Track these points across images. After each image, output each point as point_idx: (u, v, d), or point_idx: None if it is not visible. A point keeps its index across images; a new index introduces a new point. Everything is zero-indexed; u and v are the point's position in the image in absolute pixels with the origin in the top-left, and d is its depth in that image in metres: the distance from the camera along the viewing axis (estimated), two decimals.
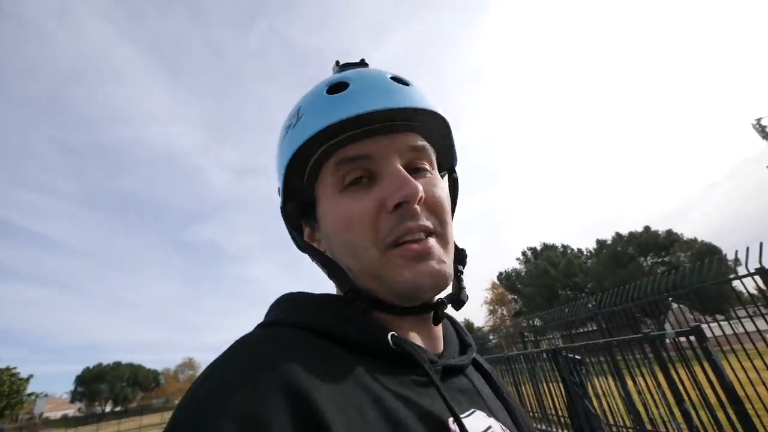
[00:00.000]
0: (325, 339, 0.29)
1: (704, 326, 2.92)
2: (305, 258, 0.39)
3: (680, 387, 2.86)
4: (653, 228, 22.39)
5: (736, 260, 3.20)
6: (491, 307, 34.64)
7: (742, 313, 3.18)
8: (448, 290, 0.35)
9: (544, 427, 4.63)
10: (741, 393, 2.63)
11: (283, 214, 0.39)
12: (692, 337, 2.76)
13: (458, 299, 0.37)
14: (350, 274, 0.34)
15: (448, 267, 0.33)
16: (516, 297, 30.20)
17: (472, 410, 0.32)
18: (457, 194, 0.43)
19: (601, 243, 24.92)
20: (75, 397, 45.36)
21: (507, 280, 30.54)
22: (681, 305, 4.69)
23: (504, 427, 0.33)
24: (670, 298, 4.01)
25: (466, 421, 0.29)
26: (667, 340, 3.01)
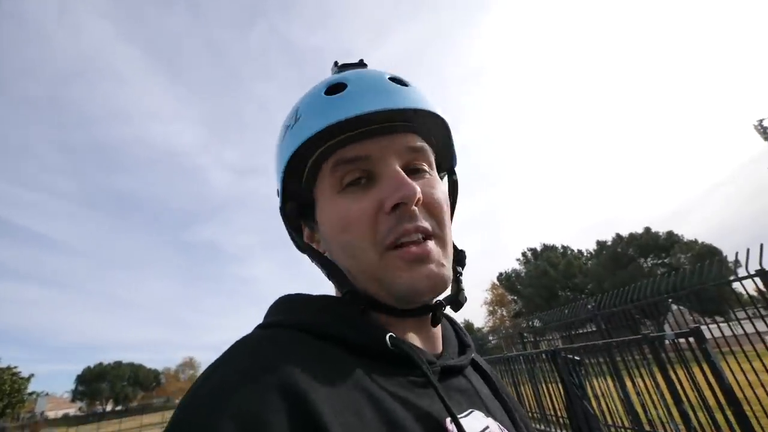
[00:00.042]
0: (324, 340, 0.29)
1: (704, 328, 2.93)
2: (305, 258, 0.39)
3: (679, 388, 2.86)
4: (654, 229, 22.36)
5: (737, 262, 3.20)
6: (491, 308, 34.63)
7: (741, 314, 3.17)
8: (447, 292, 0.35)
9: (543, 427, 4.64)
10: (740, 395, 2.63)
11: (282, 215, 0.39)
12: (691, 339, 2.77)
13: (457, 301, 0.37)
14: (349, 275, 0.34)
15: (447, 270, 0.33)
16: (516, 298, 30.17)
17: (470, 410, 0.32)
18: (457, 195, 0.43)
19: (601, 244, 24.88)
20: (76, 396, 45.50)
21: (507, 280, 30.51)
22: (681, 307, 4.69)
23: (501, 427, 0.33)
24: (670, 300, 4.02)
25: (463, 421, 0.29)
26: (667, 342, 3.01)
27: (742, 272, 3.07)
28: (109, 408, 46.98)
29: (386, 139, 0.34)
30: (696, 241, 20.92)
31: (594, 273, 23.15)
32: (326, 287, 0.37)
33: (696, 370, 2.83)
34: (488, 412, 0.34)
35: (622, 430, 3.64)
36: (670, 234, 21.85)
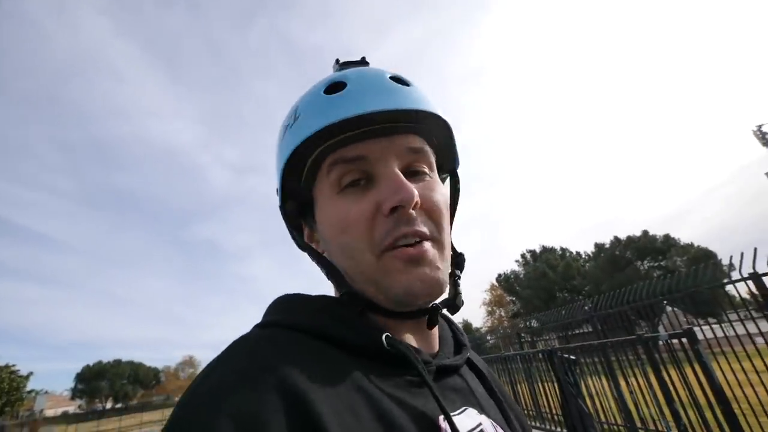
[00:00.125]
0: (322, 340, 0.29)
1: (696, 329, 2.99)
2: (305, 257, 0.39)
3: (671, 387, 2.93)
4: (651, 232, 22.44)
5: (731, 265, 3.27)
6: (489, 308, 34.69)
7: (733, 316, 3.24)
8: (445, 295, 0.34)
9: (538, 424, 4.71)
10: (729, 394, 2.70)
11: (282, 214, 0.39)
12: (684, 340, 2.84)
13: (453, 304, 0.37)
14: (346, 276, 0.34)
15: (443, 273, 0.33)
16: (514, 299, 30.21)
17: (464, 408, 0.33)
18: (458, 196, 0.42)
19: (599, 246, 24.95)
20: (75, 394, 45.51)
21: (506, 281, 30.57)
22: (675, 308, 4.76)
23: (495, 424, 0.34)
24: (665, 302, 4.08)
25: (456, 419, 0.30)
26: (660, 342, 3.08)
27: (735, 275, 3.13)
28: (108, 406, 46.95)
29: (386, 140, 0.33)
30: (692, 245, 21.00)
31: (592, 275, 23.22)
32: (326, 286, 0.37)
33: (688, 370, 2.90)
34: (482, 410, 0.34)
35: (615, 427, 3.71)
36: (667, 237, 21.92)
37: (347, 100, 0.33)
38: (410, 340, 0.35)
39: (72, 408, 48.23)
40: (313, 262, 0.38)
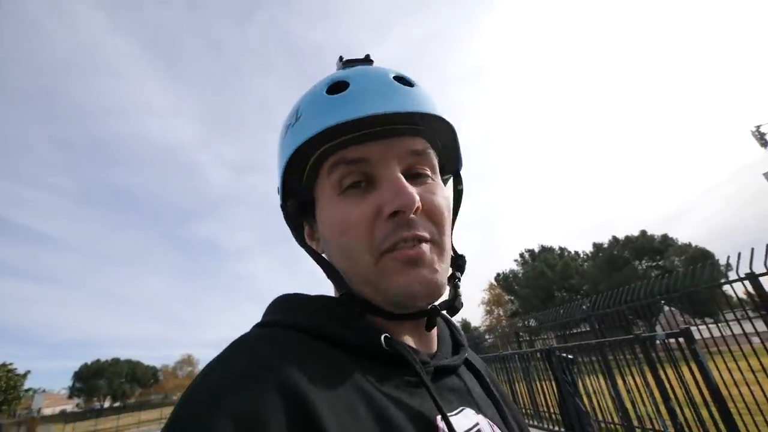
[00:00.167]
0: (321, 340, 0.30)
1: (693, 329, 3.01)
2: (304, 255, 0.39)
3: (667, 386, 2.95)
4: (650, 232, 22.53)
5: (728, 265, 3.28)
6: (488, 308, 34.79)
7: (730, 316, 3.27)
8: (444, 296, 0.35)
9: (536, 423, 4.73)
10: (725, 393, 2.72)
11: (283, 213, 0.39)
12: (681, 339, 2.86)
13: (453, 306, 0.37)
14: (345, 277, 0.34)
15: (441, 276, 0.33)
16: (513, 298, 30.30)
17: (461, 408, 0.33)
18: (461, 198, 0.42)
19: (597, 246, 25.04)
20: (73, 392, 45.37)
21: (504, 281, 30.66)
22: (673, 308, 4.79)
23: (491, 423, 0.34)
24: (663, 301, 4.11)
25: (453, 419, 0.30)
26: (657, 342, 3.10)
27: (732, 275, 3.14)
28: (106, 404, 46.93)
29: (388, 142, 0.33)
30: (690, 245, 21.10)
31: (590, 274, 23.31)
32: (326, 285, 0.38)
33: (684, 370, 2.92)
34: (479, 410, 0.35)
35: (612, 426, 3.74)
36: (665, 237, 22.02)
37: (349, 101, 0.32)
38: (409, 340, 0.35)
39: (70, 407, 48.19)
40: (314, 261, 0.38)
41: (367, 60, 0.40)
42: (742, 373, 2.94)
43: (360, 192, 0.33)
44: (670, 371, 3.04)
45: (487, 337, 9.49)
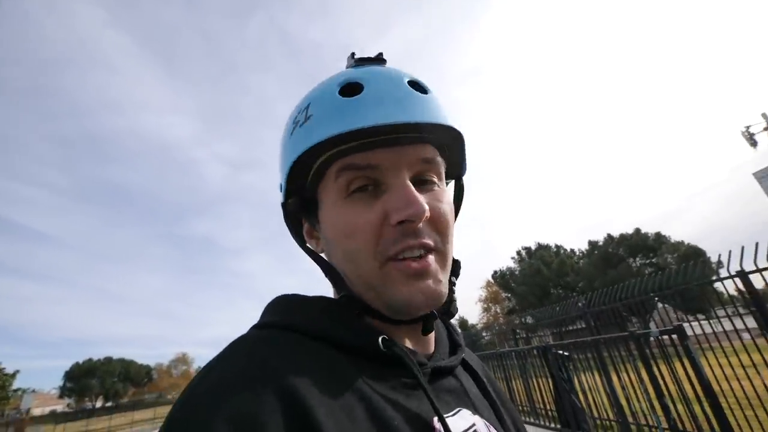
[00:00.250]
0: (319, 342, 0.30)
1: (686, 325, 3.06)
2: (302, 253, 0.39)
3: (661, 382, 3.00)
4: (644, 230, 22.97)
5: (719, 263, 3.34)
6: (485, 305, 35.11)
7: (721, 313, 3.33)
8: None
9: (533, 420, 4.79)
10: (717, 388, 2.78)
11: (284, 211, 0.39)
12: (674, 336, 2.91)
13: (448, 311, 0.37)
14: (346, 279, 0.34)
15: (444, 285, 0.33)
16: (509, 295, 30.66)
17: (458, 409, 0.33)
18: (461, 203, 0.42)
19: (593, 244, 25.41)
20: (64, 392, 44.76)
21: (501, 278, 30.97)
22: (666, 305, 4.87)
23: (488, 424, 0.35)
24: (656, 298, 4.17)
25: (450, 420, 0.31)
26: (651, 338, 3.15)
27: (723, 273, 3.20)
28: (99, 404, 46.38)
29: (399, 150, 0.33)
30: (682, 242, 21.55)
31: (585, 272, 23.66)
32: (324, 284, 0.38)
33: (677, 365, 2.97)
34: (476, 411, 0.35)
35: (608, 422, 3.80)
36: (658, 235, 22.45)
37: (364, 107, 0.32)
38: (406, 342, 0.35)
39: (60, 407, 47.50)
40: (312, 260, 0.38)
41: (379, 59, 0.39)
42: (733, 368, 3.00)
43: (367, 196, 0.33)
44: (663, 367, 3.09)
45: (484, 334, 9.57)
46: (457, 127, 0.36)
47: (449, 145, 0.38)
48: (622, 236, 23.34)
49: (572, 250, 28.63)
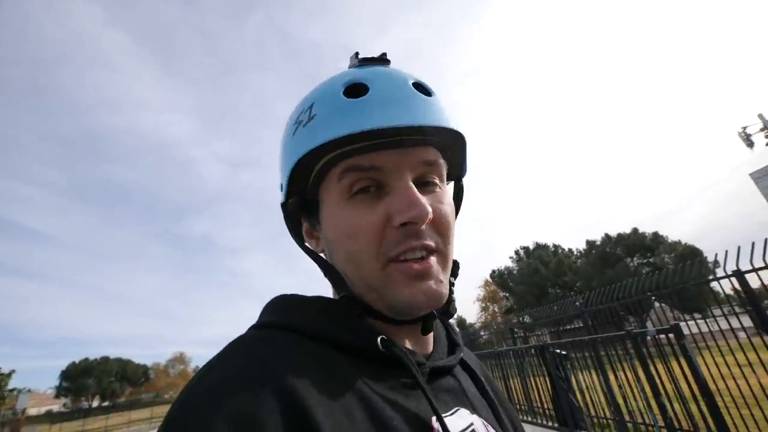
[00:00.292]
0: (318, 342, 0.30)
1: (683, 324, 3.08)
2: (301, 252, 0.39)
3: (658, 381, 3.02)
4: (641, 230, 23.10)
5: (716, 262, 3.36)
6: (483, 304, 35.26)
7: (718, 312, 3.35)
8: None
9: (530, 419, 4.81)
10: (713, 387, 2.80)
11: (283, 210, 0.39)
12: (671, 335, 2.92)
13: (447, 311, 0.38)
14: (347, 279, 0.34)
15: (445, 286, 0.33)
16: (507, 295, 30.78)
17: (456, 408, 0.34)
18: (461, 204, 0.43)
19: (590, 243, 25.54)
20: (60, 392, 44.50)
21: (499, 278, 31.07)
22: (663, 304, 4.90)
23: (486, 423, 0.35)
24: (653, 298, 4.19)
25: (448, 420, 0.31)
26: (648, 337, 3.16)
27: (720, 272, 3.22)
28: (95, 404, 46.16)
29: (403, 152, 0.33)
30: (680, 242, 21.71)
31: (583, 271, 23.77)
32: (323, 283, 0.38)
33: (674, 364, 2.99)
34: (474, 410, 0.35)
35: (605, 420, 3.82)
36: (655, 235, 22.59)
37: (369, 108, 0.32)
38: (406, 342, 0.36)
39: (56, 407, 47.27)
40: (311, 260, 0.38)
41: (383, 60, 0.39)
42: (729, 367, 3.02)
43: (369, 197, 0.33)
44: (660, 366, 3.10)
45: (482, 333, 9.60)
46: (460, 130, 0.36)
47: (451, 147, 0.38)
48: (620, 236, 23.47)
49: (570, 250, 28.76)
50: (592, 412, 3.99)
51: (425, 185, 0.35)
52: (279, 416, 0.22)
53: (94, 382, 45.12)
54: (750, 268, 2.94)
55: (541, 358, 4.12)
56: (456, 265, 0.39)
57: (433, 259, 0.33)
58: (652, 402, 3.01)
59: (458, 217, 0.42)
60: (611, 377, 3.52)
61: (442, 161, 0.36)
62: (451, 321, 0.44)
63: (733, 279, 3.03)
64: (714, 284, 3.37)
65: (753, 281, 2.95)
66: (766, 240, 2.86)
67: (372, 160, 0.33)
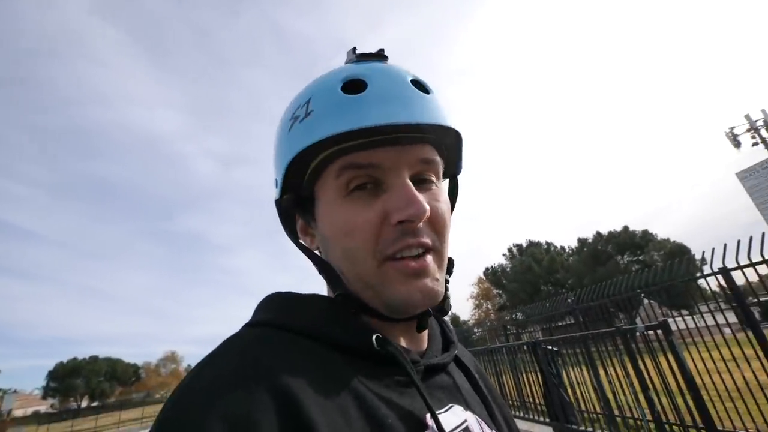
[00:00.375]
0: (312, 340, 0.30)
1: (670, 320, 3.14)
2: (295, 249, 0.39)
3: (646, 376, 3.08)
4: (631, 228, 23.58)
5: (703, 260, 3.43)
6: (477, 302, 35.66)
7: (704, 308, 3.43)
8: None
9: (522, 414, 4.88)
10: (699, 381, 2.87)
11: (278, 207, 0.38)
12: (659, 331, 2.98)
13: (442, 309, 0.38)
14: (343, 277, 0.34)
15: (441, 284, 0.34)
16: (501, 292, 31.17)
17: (450, 405, 0.34)
18: (455, 201, 0.43)
19: (582, 241, 25.99)
20: (47, 393, 43.48)
21: (493, 275, 31.42)
22: (652, 301, 5.00)
23: (479, 420, 0.35)
24: (642, 295, 4.27)
25: (442, 417, 0.31)
26: (637, 334, 3.22)
27: (707, 270, 3.28)
28: (84, 404, 45.28)
29: (400, 150, 0.33)
30: (668, 240, 22.24)
31: (575, 269, 24.19)
32: (317, 280, 0.37)
33: (662, 360, 3.05)
34: (467, 407, 0.35)
35: (594, 415, 3.89)
36: (645, 233, 23.09)
37: (367, 105, 0.32)
38: (400, 340, 0.36)
39: (44, 407, 46.28)
40: (306, 257, 0.38)
41: (380, 56, 0.38)
42: (714, 362, 3.10)
43: (366, 194, 0.33)
44: (648, 361, 3.17)
45: (475, 330, 9.70)
46: (457, 128, 0.36)
47: (448, 145, 0.38)
48: (611, 234, 23.92)
49: (562, 248, 29.25)
50: (583, 407, 4.06)
51: (422, 183, 0.35)
52: (274, 415, 0.22)
53: (82, 382, 44.22)
54: (735, 265, 3.00)
55: (533, 355, 4.17)
56: (451, 263, 0.39)
57: (429, 257, 0.33)
58: (641, 396, 3.08)
59: (454, 211, 0.42)
60: (601, 373, 3.58)
61: (438, 159, 0.36)
62: (446, 318, 0.44)
63: (719, 276, 3.09)
64: (701, 281, 3.43)
65: (738, 278, 3.02)
66: (750, 238, 2.93)
67: (369, 157, 0.32)
